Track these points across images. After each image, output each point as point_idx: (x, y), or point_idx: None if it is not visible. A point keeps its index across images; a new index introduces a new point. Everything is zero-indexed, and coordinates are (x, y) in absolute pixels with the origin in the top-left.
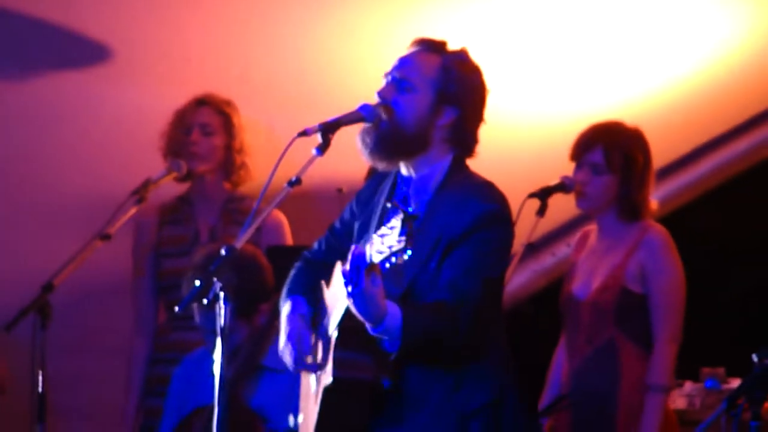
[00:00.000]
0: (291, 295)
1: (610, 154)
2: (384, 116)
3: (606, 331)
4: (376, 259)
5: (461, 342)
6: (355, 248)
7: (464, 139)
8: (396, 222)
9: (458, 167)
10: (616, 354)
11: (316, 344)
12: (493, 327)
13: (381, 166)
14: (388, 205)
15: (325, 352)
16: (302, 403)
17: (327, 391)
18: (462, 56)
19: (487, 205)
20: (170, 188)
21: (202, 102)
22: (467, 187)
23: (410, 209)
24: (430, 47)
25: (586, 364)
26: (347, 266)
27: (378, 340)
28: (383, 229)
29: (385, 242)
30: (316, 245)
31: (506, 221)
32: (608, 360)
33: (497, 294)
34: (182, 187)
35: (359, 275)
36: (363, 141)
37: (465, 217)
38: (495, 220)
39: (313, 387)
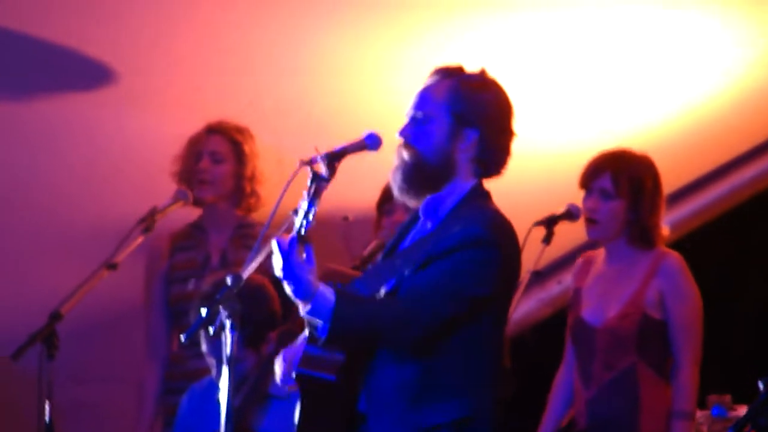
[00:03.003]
0: None
1: (619, 179)
2: (407, 155)
3: (626, 358)
4: None
5: (404, 340)
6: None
7: (489, 156)
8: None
9: (477, 194)
10: (636, 381)
11: None
12: (476, 345)
13: (412, 203)
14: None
15: None
16: None
17: (298, 388)
18: (473, 75)
19: (471, 229)
20: (185, 214)
21: (213, 130)
22: (469, 216)
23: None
24: (445, 75)
25: (604, 391)
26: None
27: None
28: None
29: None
30: None
31: (489, 244)
32: (628, 387)
33: (475, 313)
34: (196, 212)
35: (291, 247)
36: (393, 180)
37: (448, 239)
38: (477, 243)
39: None
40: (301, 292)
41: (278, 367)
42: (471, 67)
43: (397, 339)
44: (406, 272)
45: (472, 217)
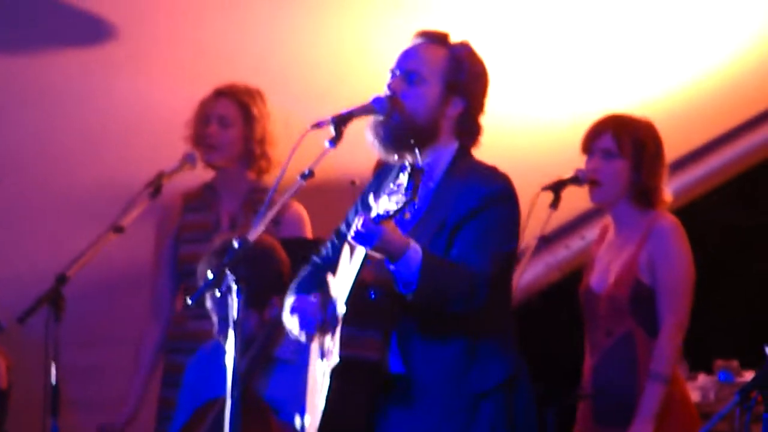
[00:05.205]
0: (296, 293)
1: (620, 138)
2: (394, 109)
3: (623, 324)
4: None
5: (474, 306)
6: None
7: (470, 128)
8: (403, 177)
9: (463, 155)
10: (633, 347)
11: (324, 333)
12: (505, 302)
13: (392, 158)
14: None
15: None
16: (309, 401)
17: (334, 372)
18: (467, 47)
19: (491, 186)
20: (202, 174)
21: (221, 93)
22: (472, 172)
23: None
24: (433, 39)
25: (605, 357)
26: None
27: (390, 294)
28: (391, 186)
29: (392, 199)
30: (323, 250)
31: (511, 199)
32: (626, 353)
33: (507, 270)
34: (210, 174)
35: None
36: (375, 134)
37: (470, 199)
38: (500, 199)
39: (319, 380)
40: (395, 245)
41: (295, 324)
42: (475, 40)
43: (471, 298)
44: (434, 249)
45: (482, 173)
